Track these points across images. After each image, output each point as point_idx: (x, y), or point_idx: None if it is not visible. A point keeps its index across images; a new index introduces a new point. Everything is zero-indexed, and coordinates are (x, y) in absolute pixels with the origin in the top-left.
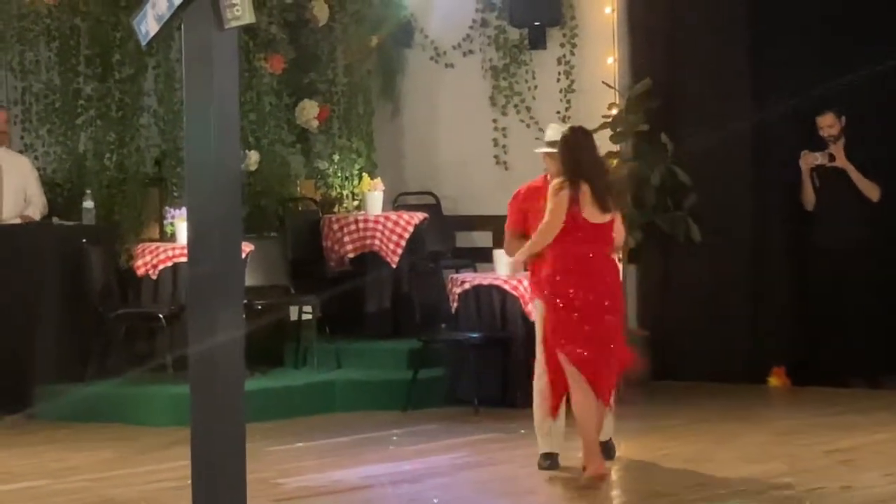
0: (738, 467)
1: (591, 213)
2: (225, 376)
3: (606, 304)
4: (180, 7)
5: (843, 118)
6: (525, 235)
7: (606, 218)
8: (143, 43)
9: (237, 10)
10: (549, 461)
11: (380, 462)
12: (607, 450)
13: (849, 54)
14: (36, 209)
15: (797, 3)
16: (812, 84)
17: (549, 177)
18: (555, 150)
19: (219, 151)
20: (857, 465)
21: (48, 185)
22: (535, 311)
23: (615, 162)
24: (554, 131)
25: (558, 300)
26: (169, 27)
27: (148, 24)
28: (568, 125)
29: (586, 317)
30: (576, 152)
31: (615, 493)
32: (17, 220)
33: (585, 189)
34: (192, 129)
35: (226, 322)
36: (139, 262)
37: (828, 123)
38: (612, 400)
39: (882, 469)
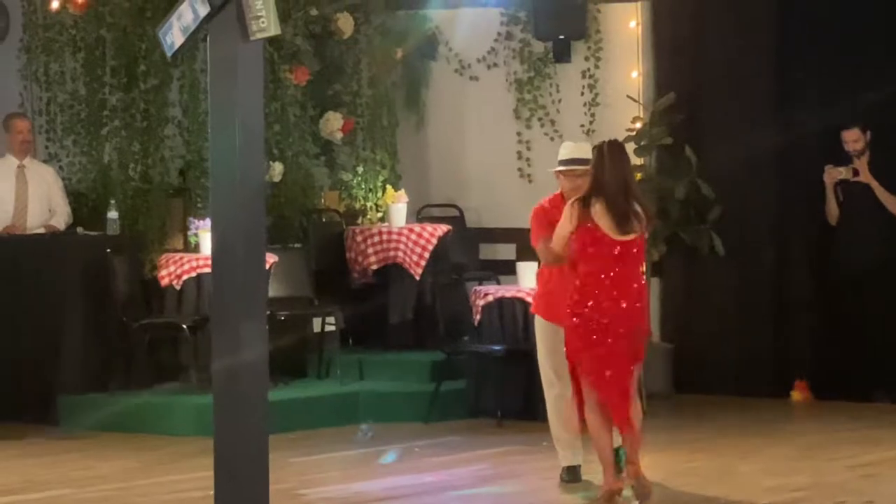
0: (761, 481)
1: (613, 231)
2: (248, 387)
3: (629, 325)
4: (206, 19)
5: (869, 133)
6: None
7: (631, 236)
8: (169, 54)
9: (262, 22)
10: (571, 474)
11: (402, 474)
12: (618, 457)
13: (875, 69)
14: (60, 219)
15: (823, 16)
16: (837, 98)
17: (563, 195)
18: (566, 169)
19: (243, 162)
20: (879, 480)
21: (73, 195)
22: (537, 326)
23: (639, 176)
24: (567, 150)
25: (575, 318)
26: (194, 39)
27: (173, 36)
28: (588, 140)
29: (605, 337)
30: (597, 169)
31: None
32: (42, 230)
33: (599, 207)
34: (217, 140)
35: (249, 333)
36: (163, 273)
37: (853, 138)
38: (635, 424)
39: None
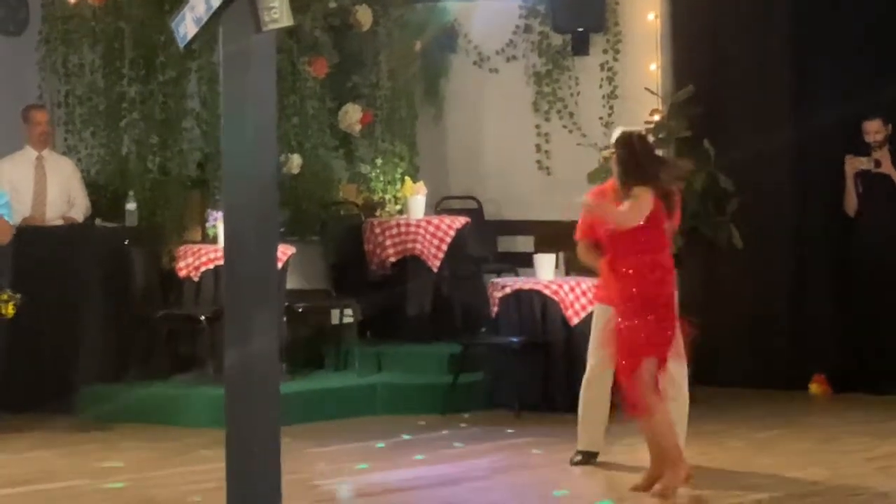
0: (777, 473)
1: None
2: (260, 378)
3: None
4: (218, 9)
5: (890, 125)
6: (597, 245)
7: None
8: (181, 45)
9: (275, 13)
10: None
11: (418, 465)
12: None
13: (892, 63)
14: (79, 211)
15: (843, 5)
16: (858, 89)
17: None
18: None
19: (255, 155)
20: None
21: (91, 186)
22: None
23: None
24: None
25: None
26: (208, 30)
27: (186, 27)
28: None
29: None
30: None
31: (654, 496)
32: (61, 222)
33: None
34: (229, 132)
35: (262, 325)
36: (181, 264)
37: (875, 129)
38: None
39: None
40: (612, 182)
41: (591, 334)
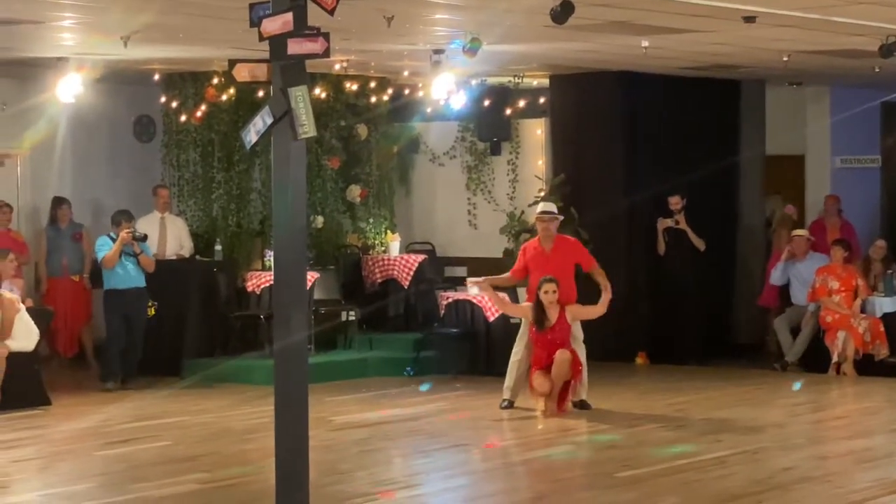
0: (613, 410)
1: None
2: (296, 354)
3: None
4: (271, 125)
5: (685, 199)
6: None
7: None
8: (248, 148)
9: (306, 128)
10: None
11: (393, 408)
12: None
13: (689, 159)
14: (186, 250)
15: (656, 126)
16: (666, 176)
17: (539, 237)
18: (544, 217)
19: (294, 216)
20: (686, 412)
21: (193, 235)
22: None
23: None
24: (542, 206)
25: None
26: (265, 138)
27: (251, 136)
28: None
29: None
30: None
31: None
32: (175, 257)
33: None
34: (278, 202)
35: (297, 321)
36: (249, 283)
37: (675, 201)
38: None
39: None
40: (536, 240)
41: (519, 333)
